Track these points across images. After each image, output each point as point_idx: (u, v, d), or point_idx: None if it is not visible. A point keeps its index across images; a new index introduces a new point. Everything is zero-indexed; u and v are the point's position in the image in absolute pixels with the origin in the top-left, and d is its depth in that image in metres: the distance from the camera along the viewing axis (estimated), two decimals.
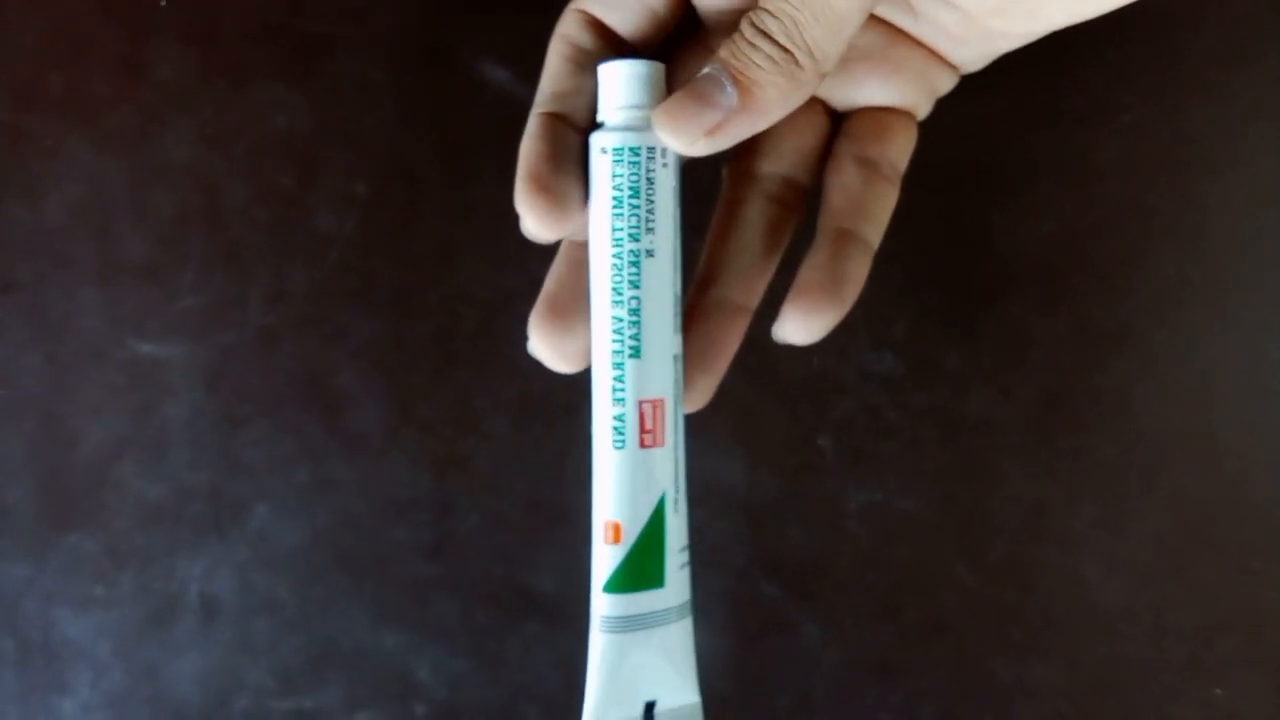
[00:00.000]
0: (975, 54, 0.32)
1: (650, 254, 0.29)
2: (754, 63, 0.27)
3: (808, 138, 0.33)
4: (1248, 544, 0.38)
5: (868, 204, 0.33)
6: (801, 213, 0.33)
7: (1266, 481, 0.38)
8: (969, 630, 0.38)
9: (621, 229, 0.29)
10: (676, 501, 0.30)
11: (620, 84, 0.29)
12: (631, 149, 0.29)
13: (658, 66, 0.29)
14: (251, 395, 0.39)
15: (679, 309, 0.30)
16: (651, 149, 0.29)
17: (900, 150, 0.33)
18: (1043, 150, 0.39)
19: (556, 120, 0.30)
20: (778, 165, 0.33)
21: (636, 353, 0.30)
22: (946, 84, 0.33)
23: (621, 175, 0.29)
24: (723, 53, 0.28)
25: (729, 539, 0.39)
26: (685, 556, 0.30)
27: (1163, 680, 0.38)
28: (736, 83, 0.27)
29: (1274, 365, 0.38)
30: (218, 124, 0.40)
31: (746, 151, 0.32)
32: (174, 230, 0.39)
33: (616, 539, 0.30)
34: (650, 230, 0.29)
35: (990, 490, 0.39)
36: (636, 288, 0.29)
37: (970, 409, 0.39)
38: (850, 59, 0.29)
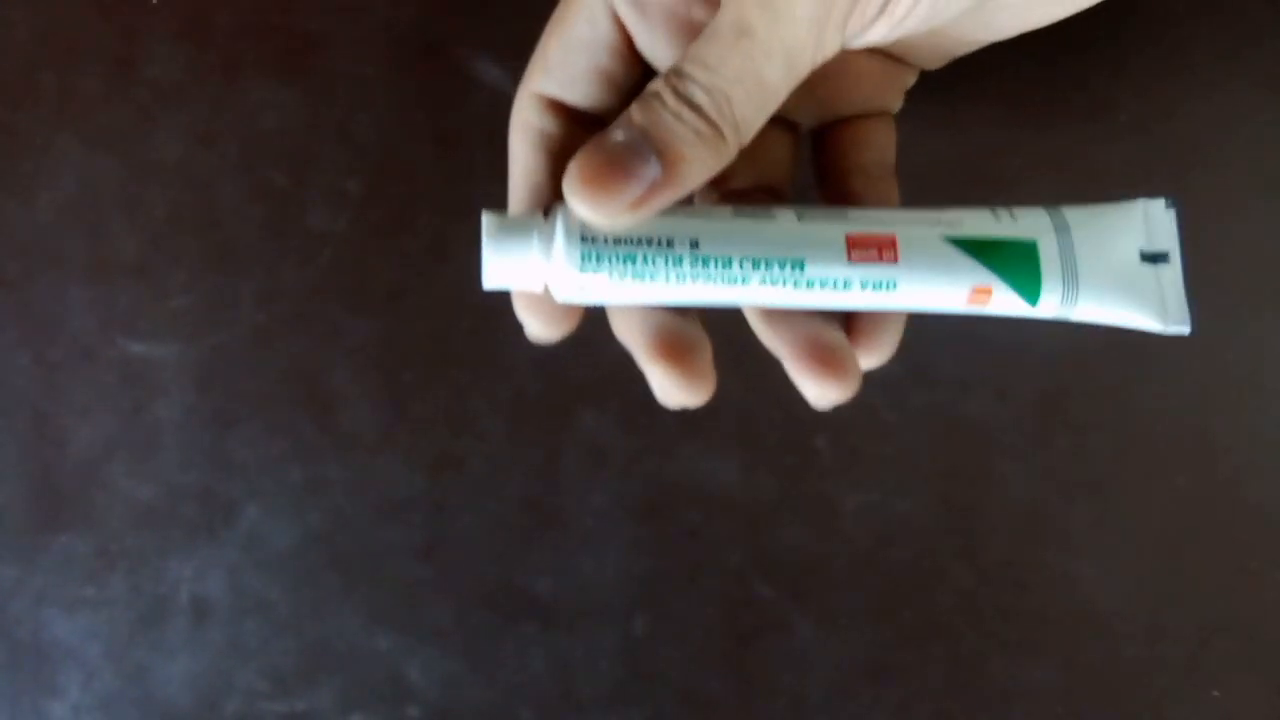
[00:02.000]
0: (933, 58, 0.32)
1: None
2: (679, 135, 0.26)
3: (776, 152, 0.33)
4: (1245, 545, 0.38)
5: (875, 206, 0.33)
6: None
7: (1264, 482, 0.38)
8: (965, 631, 0.38)
9: None
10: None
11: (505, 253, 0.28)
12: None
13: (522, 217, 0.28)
14: (243, 395, 0.39)
15: None
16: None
17: (884, 149, 0.33)
18: (1040, 149, 0.39)
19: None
20: (746, 180, 0.32)
21: None
22: (911, 79, 0.33)
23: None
24: (640, 119, 0.26)
25: (725, 539, 0.39)
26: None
27: (1159, 681, 0.38)
28: (660, 155, 0.26)
29: (1272, 365, 0.38)
30: (210, 121, 0.39)
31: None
32: (165, 228, 0.39)
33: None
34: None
35: (987, 491, 0.39)
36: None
37: (967, 410, 0.39)
38: (812, 84, 0.28)
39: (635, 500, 0.39)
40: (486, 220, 0.28)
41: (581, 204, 0.26)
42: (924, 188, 0.39)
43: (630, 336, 0.29)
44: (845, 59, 0.31)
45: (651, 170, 0.26)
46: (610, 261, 0.27)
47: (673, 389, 0.28)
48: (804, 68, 0.26)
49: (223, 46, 0.39)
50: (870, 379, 0.39)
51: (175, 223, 0.39)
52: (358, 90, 0.39)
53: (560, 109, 0.30)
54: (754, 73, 0.26)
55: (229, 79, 0.39)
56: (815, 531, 0.39)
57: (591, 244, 0.27)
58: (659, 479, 0.39)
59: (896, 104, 0.33)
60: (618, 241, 0.27)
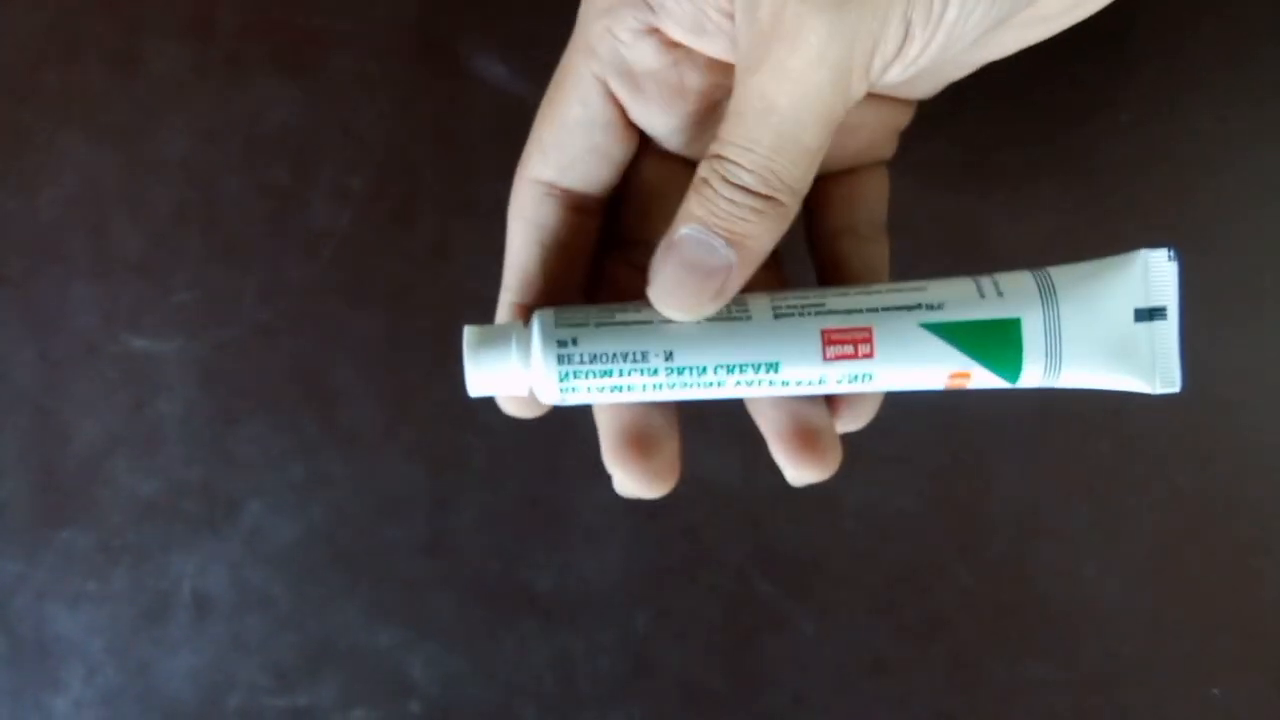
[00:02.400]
0: (927, 88, 0.32)
1: None
2: (741, 218, 0.26)
3: None
4: (1245, 543, 0.38)
5: (861, 269, 0.32)
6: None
7: (1264, 480, 0.38)
8: (965, 628, 0.38)
9: None
10: None
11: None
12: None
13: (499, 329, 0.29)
14: (246, 391, 0.39)
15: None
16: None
17: (874, 205, 0.33)
18: (1041, 149, 0.39)
19: (527, 311, 0.30)
20: None
21: None
22: (906, 118, 0.32)
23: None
24: (699, 211, 0.26)
25: (725, 536, 0.39)
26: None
27: (1159, 679, 0.38)
28: (729, 242, 0.26)
29: (1273, 364, 0.38)
30: (213, 118, 0.39)
31: None
32: (169, 225, 0.39)
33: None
34: None
35: (987, 489, 0.39)
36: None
37: (967, 407, 0.38)
38: None
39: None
40: (468, 334, 0.28)
41: (673, 311, 0.27)
42: (924, 187, 0.39)
43: (600, 425, 0.30)
44: None
45: (725, 258, 0.26)
46: (587, 376, 0.28)
47: (630, 485, 0.29)
48: (837, 119, 0.26)
49: (226, 43, 0.39)
50: None
51: (178, 219, 0.39)
52: (361, 87, 0.39)
53: (558, 193, 0.30)
54: (791, 140, 0.26)
55: (232, 76, 0.39)
56: (816, 528, 0.39)
57: (568, 363, 0.28)
58: None
59: (891, 151, 0.33)
60: (593, 358, 0.28)
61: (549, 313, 0.28)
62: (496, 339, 0.28)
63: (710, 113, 0.30)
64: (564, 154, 0.29)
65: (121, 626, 0.39)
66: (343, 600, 0.39)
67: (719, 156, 0.26)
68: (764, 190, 0.26)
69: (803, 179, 0.26)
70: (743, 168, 0.26)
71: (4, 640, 0.39)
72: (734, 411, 0.39)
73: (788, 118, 0.25)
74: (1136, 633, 0.38)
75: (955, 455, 0.39)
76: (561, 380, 0.28)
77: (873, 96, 0.31)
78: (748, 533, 0.39)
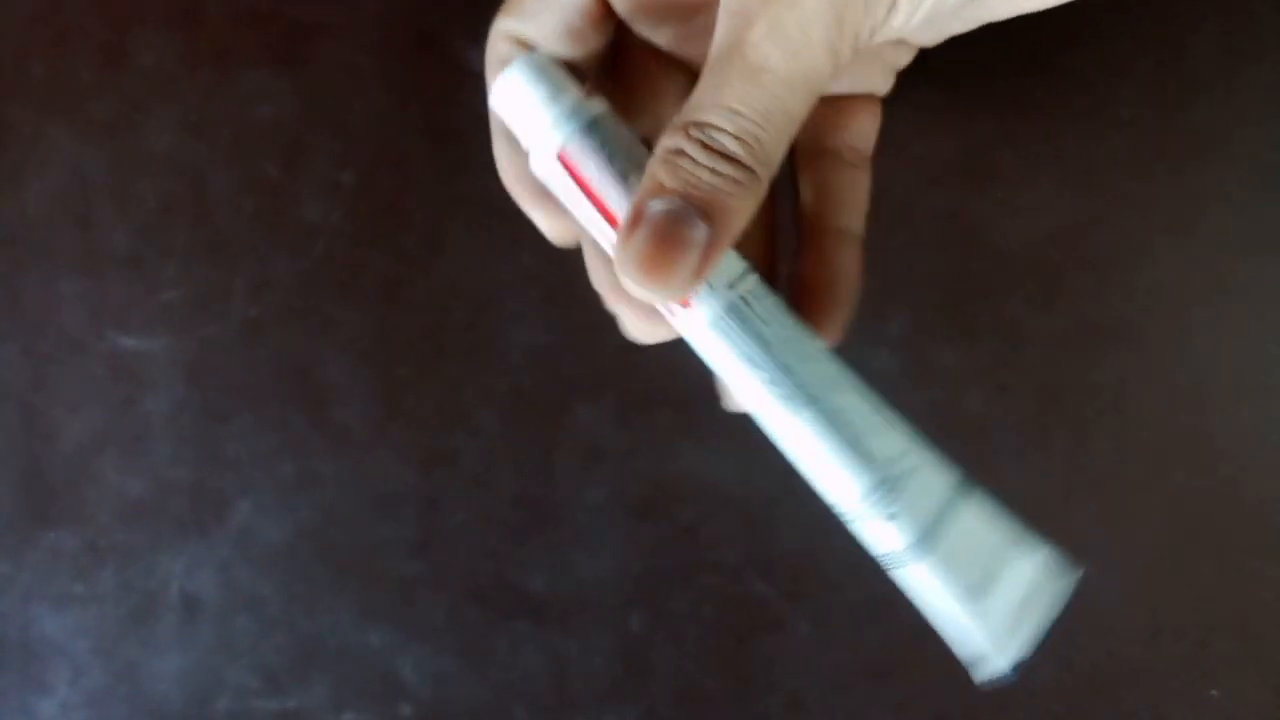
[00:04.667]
0: (930, 37, 0.31)
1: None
2: (722, 190, 0.25)
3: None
4: (1245, 544, 0.38)
5: (839, 193, 0.32)
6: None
7: (1264, 481, 0.38)
8: None
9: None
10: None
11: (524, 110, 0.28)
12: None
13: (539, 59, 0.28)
14: (235, 389, 0.39)
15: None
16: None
17: (860, 133, 0.32)
18: (1041, 146, 0.38)
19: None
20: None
21: None
22: (906, 57, 0.32)
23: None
24: (671, 181, 0.25)
25: (721, 537, 0.38)
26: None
27: (1158, 681, 0.38)
28: (705, 215, 0.25)
29: (1273, 363, 0.38)
30: (202, 112, 0.39)
31: None
32: (157, 220, 0.39)
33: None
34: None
35: (985, 488, 0.38)
36: None
37: (967, 406, 0.38)
38: None
39: (631, 497, 0.38)
40: (535, 55, 0.28)
41: (643, 290, 0.25)
42: (923, 184, 0.38)
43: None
44: None
45: (701, 233, 0.25)
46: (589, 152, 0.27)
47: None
48: (823, 89, 0.26)
49: (215, 36, 0.39)
50: (868, 376, 0.39)
51: (166, 214, 0.39)
52: (351, 81, 0.39)
53: (530, 49, 0.29)
54: (780, 109, 0.25)
55: (221, 69, 0.39)
56: (813, 529, 0.39)
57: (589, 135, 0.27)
58: (655, 475, 0.38)
59: (885, 86, 0.32)
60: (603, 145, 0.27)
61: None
62: (556, 79, 0.28)
63: (693, 14, 0.29)
64: (539, 22, 0.29)
65: (108, 628, 0.39)
66: (333, 601, 0.39)
67: (699, 124, 0.25)
68: (748, 161, 0.25)
69: (778, 152, 0.25)
70: (728, 134, 0.25)
71: None
72: (732, 413, 0.39)
73: (780, 79, 0.24)
74: (1135, 635, 0.38)
75: (953, 455, 0.39)
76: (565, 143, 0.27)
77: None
78: (744, 533, 0.38)
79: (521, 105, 0.28)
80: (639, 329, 0.29)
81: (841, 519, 0.29)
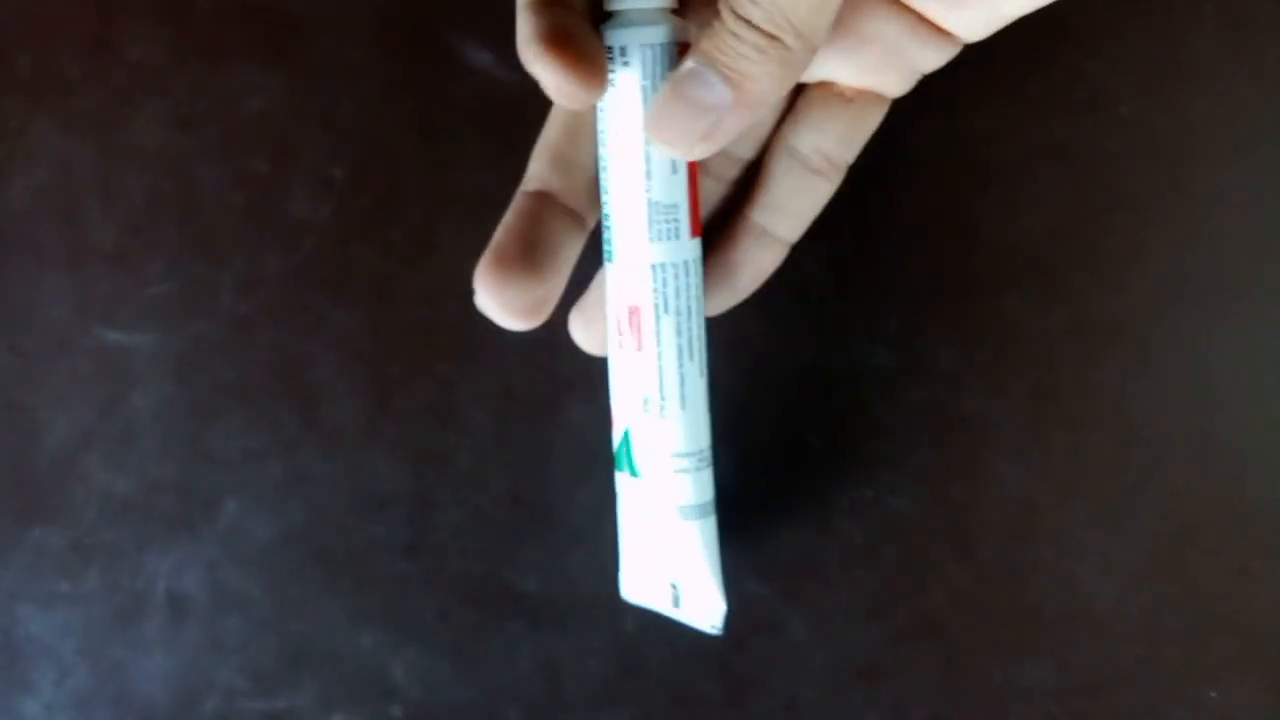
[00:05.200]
0: (975, 20, 0.29)
1: (614, 159, 0.29)
2: (741, 55, 0.25)
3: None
4: (1244, 545, 0.38)
5: (782, 197, 0.31)
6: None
7: (1264, 482, 0.38)
8: (960, 630, 0.38)
9: (598, 134, 0.29)
10: (663, 408, 0.30)
11: None
12: None
13: None
14: (223, 386, 0.38)
15: (667, 216, 0.29)
16: (610, 49, 0.28)
17: (841, 136, 0.31)
18: (1038, 142, 0.38)
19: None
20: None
21: (610, 258, 0.30)
22: (935, 58, 0.30)
23: None
24: (704, 44, 0.26)
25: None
26: (686, 462, 0.31)
27: (1156, 682, 0.38)
28: (727, 79, 0.26)
29: (1273, 363, 0.38)
30: (191, 106, 0.39)
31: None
32: (144, 215, 0.39)
33: (613, 424, 0.32)
34: (613, 135, 0.29)
35: (983, 488, 0.38)
36: (606, 193, 0.29)
37: (963, 405, 0.38)
38: None
39: None
40: None
41: (663, 145, 0.27)
42: (919, 179, 0.38)
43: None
44: (866, 8, 0.29)
45: (719, 96, 0.26)
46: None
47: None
48: None
49: (204, 29, 0.39)
50: (864, 374, 0.39)
51: (154, 209, 0.39)
52: (343, 75, 0.39)
53: None
54: None
55: (210, 63, 0.39)
56: (808, 529, 0.38)
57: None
58: None
59: (898, 87, 0.31)
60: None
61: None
62: None
63: None
64: None
65: (94, 628, 0.38)
66: (323, 601, 0.38)
67: None
68: (769, 28, 0.25)
69: (810, 21, 0.25)
70: (752, 1, 0.25)
71: None
72: (727, 412, 0.38)
73: None
74: (1133, 635, 0.38)
75: (950, 455, 0.39)
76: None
77: (913, 16, 0.29)
78: (739, 533, 0.38)
79: None
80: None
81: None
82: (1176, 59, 0.38)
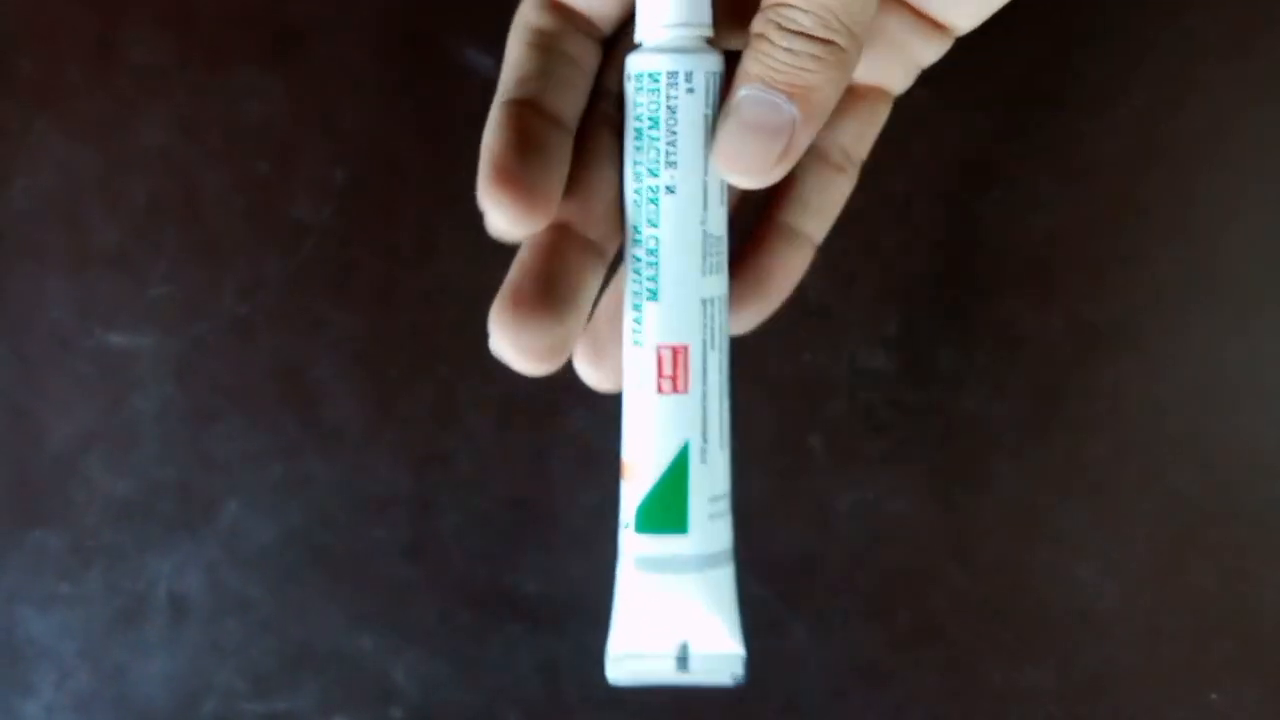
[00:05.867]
0: (969, 8, 0.30)
1: (670, 190, 0.28)
2: (802, 68, 0.25)
3: None
4: (1244, 547, 0.38)
5: (808, 195, 0.31)
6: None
7: (1263, 484, 0.38)
8: (960, 633, 0.38)
9: (641, 163, 0.28)
10: (705, 451, 0.29)
11: (652, 1, 0.27)
12: (651, 74, 0.27)
13: None
14: (224, 388, 0.38)
15: (716, 249, 0.28)
16: (674, 74, 0.27)
17: (857, 133, 0.31)
18: (1038, 144, 0.38)
19: (521, 106, 0.28)
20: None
21: (654, 295, 0.28)
22: (933, 52, 0.31)
23: (641, 104, 0.28)
24: (755, 69, 0.26)
25: None
26: (720, 506, 0.29)
27: (1156, 684, 0.38)
28: (791, 96, 0.25)
29: (1272, 364, 0.38)
30: (193, 110, 0.39)
31: None
32: (146, 218, 0.39)
33: (633, 478, 0.29)
34: (671, 164, 0.28)
35: (983, 491, 0.38)
36: (654, 226, 0.28)
37: (963, 407, 0.38)
38: None
39: None
40: None
41: (740, 177, 0.26)
42: (919, 181, 0.38)
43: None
44: None
45: (788, 114, 0.26)
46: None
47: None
48: None
49: (206, 33, 0.39)
50: (865, 377, 0.39)
51: (156, 212, 0.39)
52: (343, 79, 0.39)
53: (559, 7, 0.29)
54: None
55: (212, 66, 0.39)
56: (809, 531, 0.38)
57: None
58: None
59: (901, 83, 0.31)
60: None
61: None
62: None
63: None
64: None
65: (95, 630, 0.38)
66: (323, 603, 0.38)
67: (774, 4, 0.25)
68: (822, 34, 0.25)
69: (859, 19, 0.25)
70: (798, 9, 0.25)
71: None
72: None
73: None
74: (1134, 638, 0.38)
75: (951, 457, 0.39)
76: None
77: (909, 10, 0.29)
78: (740, 536, 0.38)
79: (669, 2, 0.27)
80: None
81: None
82: (1176, 62, 0.38)
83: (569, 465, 0.39)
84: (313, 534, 0.38)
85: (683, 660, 0.31)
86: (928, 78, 0.32)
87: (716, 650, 0.30)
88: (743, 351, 0.39)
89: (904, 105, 0.33)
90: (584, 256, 0.28)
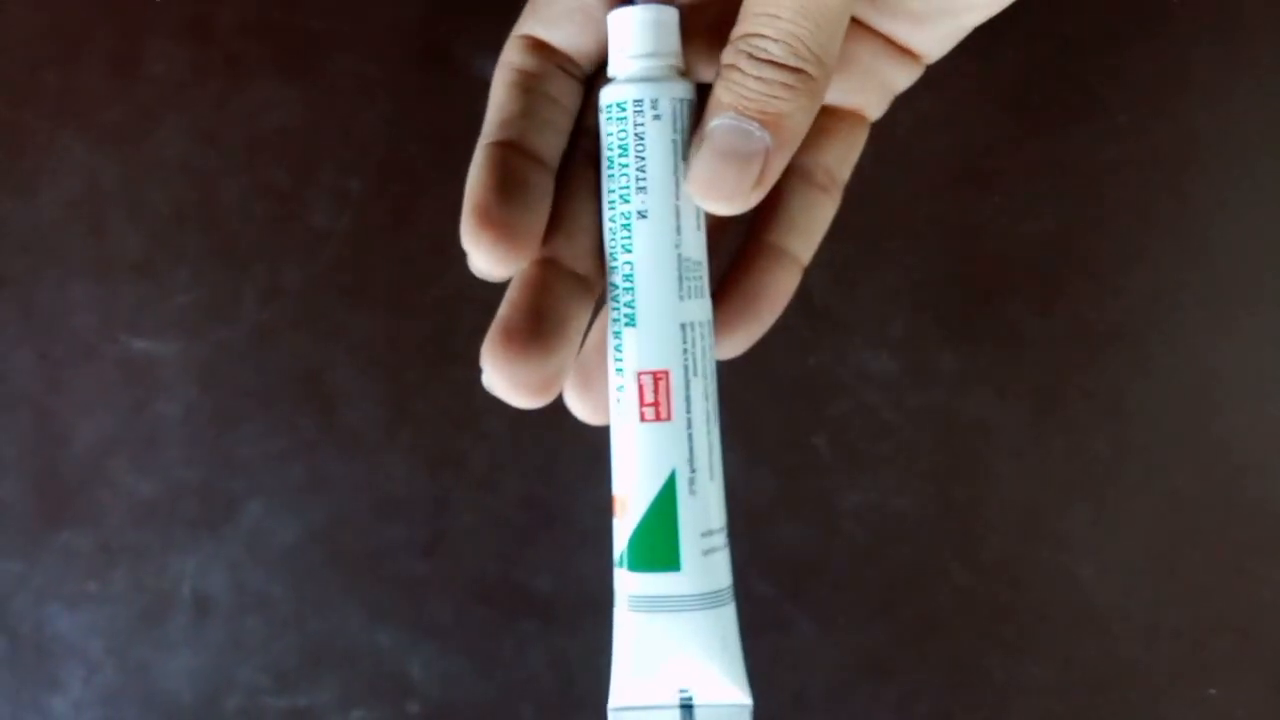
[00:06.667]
0: (938, 35, 0.30)
1: (643, 215, 0.27)
2: (773, 96, 0.26)
3: None
4: (1242, 544, 0.38)
5: (794, 215, 0.31)
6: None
7: (1262, 482, 0.38)
8: (963, 630, 0.38)
9: (614, 190, 0.28)
10: (693, 480, 0.28)
11: (619, 33, 0.28)
12: (619, 104, 0.27)
13: (668, 11, 0.28)
14: (245, 392, 0.39)
15: (694, 273, 0.28)
16: (640, 101, 0.27)
17: (839, 155, 0.31)
18: (1040, 149, 0.39)
19: (503, 148, 0.28)
20: None
21: (632, 321, 0.28)
22: (905, 79, 0.31)
23: (611, 133, 0.28)
24: (727, 97, 0.26)
25: None
26: (716, 541, 0.28)
27: (1156, 680, 0.38)
28: (763, 124, 0.26)
29: (1270, 366, 0.38)
30: (212, 120, 0.39)
31: None
32: (168, 226, 0.39)
33: (623, 513, 0.28)
34: (642, 189, 0.27)
35: (985, 490, 0.38)
36: (629, 251, 0.28)
37: (966, 409, 0.38)
38: None
39: None
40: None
41: (714, 204, 0.26)
42: (922, 186, 0.39)
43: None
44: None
45: (761, 142, 0.26)
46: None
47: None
48: None
49: (225, 45, 0.39)
50: (869, 379, 0.39)
51: (177, 220, 0.39)
52: (360, 89, 0.39)
53: (544, 49, 0.29)
54: (814, 2, 0.25)
55: (231, 78, 0.39)
56: (814, 530, 0.39)
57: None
58: None
59: (877, 108, 0.32)
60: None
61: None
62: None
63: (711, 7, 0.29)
64: (551, 10, 0.29)
65: (121, 627, 0.39)
66: (342, 601, 0.39)
67: (745, 35, 0.26)
68: (793, 62, 0.25)
69: (828, 47, 0.26)
70: (768, 39, 0.25)
71: (3, 641, 0.39)
72: (731, 412, 0.39)
73: None
74: (1134, 634, 0.38)
75: (953, 457, 0.39)
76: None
77: (881, 39, 0.30)
78: (746, 534, 0.39)
79: (638, 34, 0.27)
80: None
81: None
82: (1175, 68, 0.38)
83: (581, 465, 0.39)
84: (331, 533, 0.39)
85: (688, 710, 0.29)
86: (928, 84, 0.33)
87: (721, 700, 0.29)
88: (748, 354, 0.39)
89: (905, 112, 0.34)
90: (572, 291, 0.28)
